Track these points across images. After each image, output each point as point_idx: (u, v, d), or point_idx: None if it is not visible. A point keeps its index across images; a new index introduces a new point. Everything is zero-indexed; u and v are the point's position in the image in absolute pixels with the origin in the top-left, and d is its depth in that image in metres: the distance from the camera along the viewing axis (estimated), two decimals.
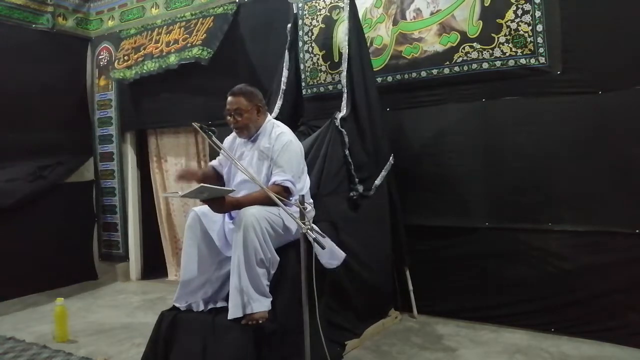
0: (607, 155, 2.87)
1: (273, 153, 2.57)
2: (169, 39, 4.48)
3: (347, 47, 3.19)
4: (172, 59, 4.33)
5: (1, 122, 4.31)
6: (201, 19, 4.34)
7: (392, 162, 3.34)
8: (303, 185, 2.66)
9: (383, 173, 3.25)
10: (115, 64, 4.82)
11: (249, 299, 2.34)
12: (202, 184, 2.22)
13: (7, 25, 4.44)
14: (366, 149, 3.18)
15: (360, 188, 3.06)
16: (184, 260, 2.61)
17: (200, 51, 4.15)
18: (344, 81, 3.18)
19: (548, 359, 2.69)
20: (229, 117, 2.64)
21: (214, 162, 2.91)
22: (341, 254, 2.49)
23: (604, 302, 2.86)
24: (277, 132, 2.63)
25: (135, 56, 4.65)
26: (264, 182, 2.53)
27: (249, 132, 2.67)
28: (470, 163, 3.29)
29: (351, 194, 3.03)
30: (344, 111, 3.09)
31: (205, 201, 2.39)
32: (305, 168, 2.75)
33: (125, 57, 4.75)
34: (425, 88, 3.42)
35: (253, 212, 2.37)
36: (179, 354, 2.48)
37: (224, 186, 2.73)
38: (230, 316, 2.37)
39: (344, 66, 3.18)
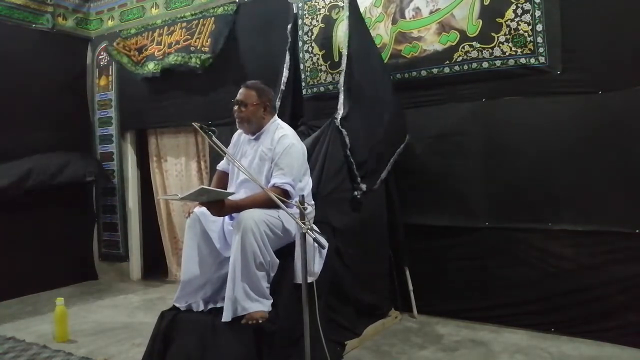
0: (607, 155, 2.87)
1: (274, 155, 2.57)
2: (171, 40, 4.49)
3: (346, 46, 3.18)
4: (172, 58, 4.37)
5: (1, 122, 4.31)
6: (202, 19, 4.34)
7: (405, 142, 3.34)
8: (304, 186, 2.65)
9: (389, 165, 3.25)
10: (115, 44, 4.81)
11: (243, 305, 2.33)
12: (202, 186, 2.22)
13: (7, 25, 4.44)
14: (370, 146, 3.15)
15: (364, 187, 3.04)
16: (184, 260, 2.61)
17: (196, 59, 4.22)
18: (341, 81, 3.16)
19: (548, 359, 2.69)
20: (235, 107, 2.65)
21: (223, 164, 2.91)
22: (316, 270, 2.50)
23: (604, 302, 2.86)
24: (279, 134, 2.62)
25: (140, 57, 4.66)
26: (264, 183, 2.53)
27: (250, 127, 2.67)
28: (470, 163, 3.29)
29: (355, 193, 3.01)
30: (340, 111, 3.07)
31: (204, 204, 2.38)
32: (308, 170, 2.74)
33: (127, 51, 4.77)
34: (425, 87, 3.42)
35: (252, 216, 2.36)
36: (179, 354, 2.48)
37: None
38: (223, 319, 2.37)
39: (343, 65, 3.17)
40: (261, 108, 2.66)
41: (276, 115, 2.81)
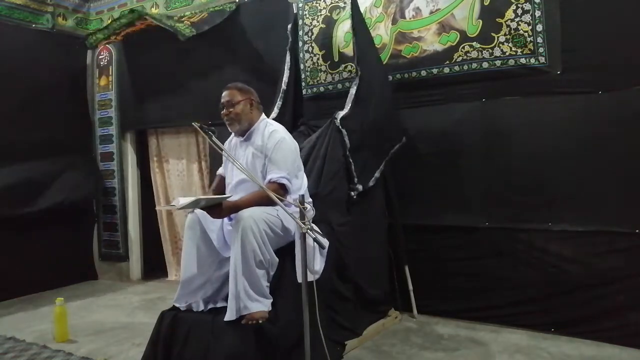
0: (607, 155, 2.87)
1: (267, 151, 2.57)
2: None
3: (356, 45, 3.17)
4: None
5: (2, 122, 4.31)
6: (198, 13, 4.36)
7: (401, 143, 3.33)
8: (301, 183, 2.65)
9: (383, 164, 3.25)
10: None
11: (244, 304, 2.33)
12: (197, 197, 2.23)
13: (7, 25, 4.44)
14: (370, 145, 3.16)
15: (360, 187, 3.04)
16: (184, 260, 2.61)
17: (184, 27, 4.09)
18: (356, 81, 3.13)
19: (548, 359, 2.69)
20: (222, 110, 2.67)
21: (221, 170, 2.92)
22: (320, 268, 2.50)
23: (604, 302, 2.86)
24: (270, 130, 2.64)
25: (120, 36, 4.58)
26: (260, 180, 2.52)
27: (241, 126, 2.67)
28: (469, 163, 3.29)
29: (351, 193, 3.02)
30: (342, 111, 3.07)
31: (203, 209, 2.39)
32: (302, 166, 2.74)
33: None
34: (425, 87, 3.42)
35: (251, 214, 2.36)
36: (179, 354, 2.48)
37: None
38: (226, 318, 2.36)
39: (355, 64, 3.16)
40: (247, 104, 2.67)
41: (264, 115, 2.81)
